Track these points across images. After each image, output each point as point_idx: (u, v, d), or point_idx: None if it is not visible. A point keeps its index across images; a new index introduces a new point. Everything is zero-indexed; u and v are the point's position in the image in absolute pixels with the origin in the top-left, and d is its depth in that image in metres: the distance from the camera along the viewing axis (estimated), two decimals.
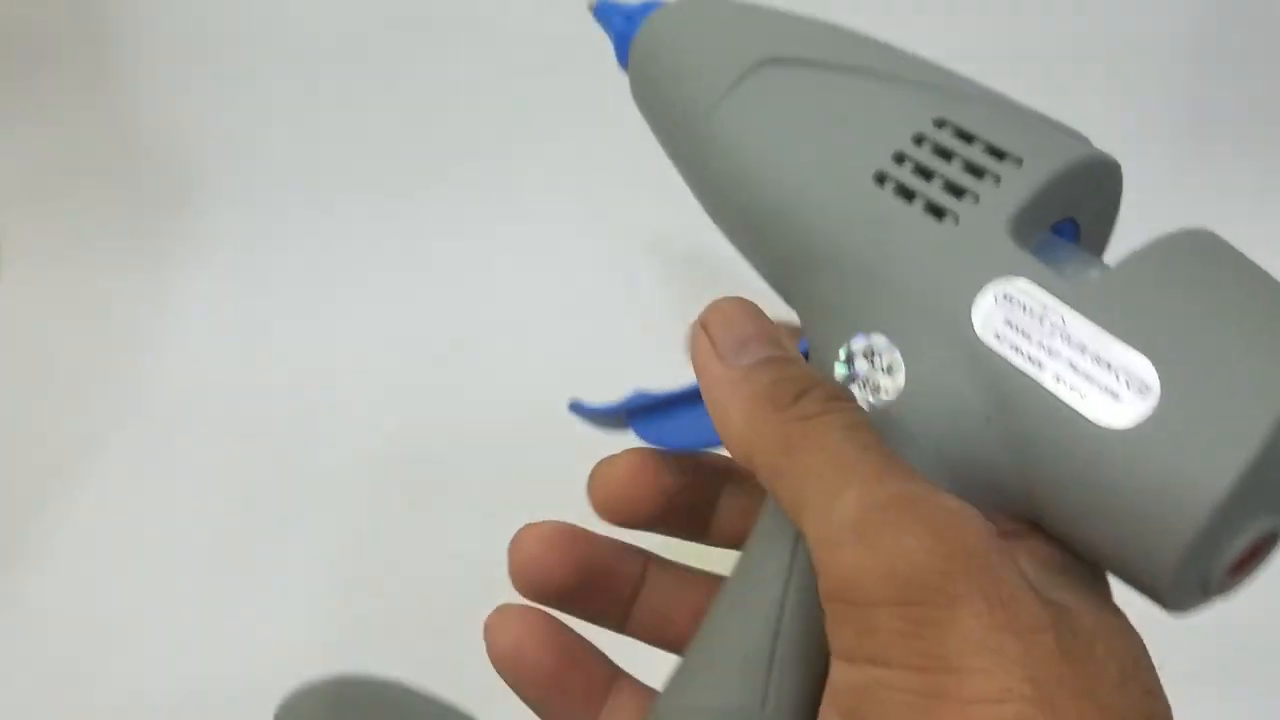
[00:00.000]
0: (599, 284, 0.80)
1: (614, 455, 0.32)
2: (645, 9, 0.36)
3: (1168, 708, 0.23)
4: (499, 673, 0.31)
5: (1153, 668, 0.23)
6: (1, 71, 0.82)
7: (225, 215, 0.83)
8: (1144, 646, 0.24)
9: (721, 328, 0.27)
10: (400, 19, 0.81)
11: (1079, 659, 0.21)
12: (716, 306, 0.27)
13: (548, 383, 0.77)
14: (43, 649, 0.61)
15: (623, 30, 0.36)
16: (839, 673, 0.22)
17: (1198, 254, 0.26)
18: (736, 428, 0.25)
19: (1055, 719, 0.20)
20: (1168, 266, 0.25)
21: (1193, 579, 0.23)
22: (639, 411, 0.32)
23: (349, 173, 0.84)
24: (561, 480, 0.68)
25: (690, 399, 0.31)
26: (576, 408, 0.33)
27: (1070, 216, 0.28)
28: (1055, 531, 0.25)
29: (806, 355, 0.29)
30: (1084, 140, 0.29)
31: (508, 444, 0.70)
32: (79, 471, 0.69)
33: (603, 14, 0.37)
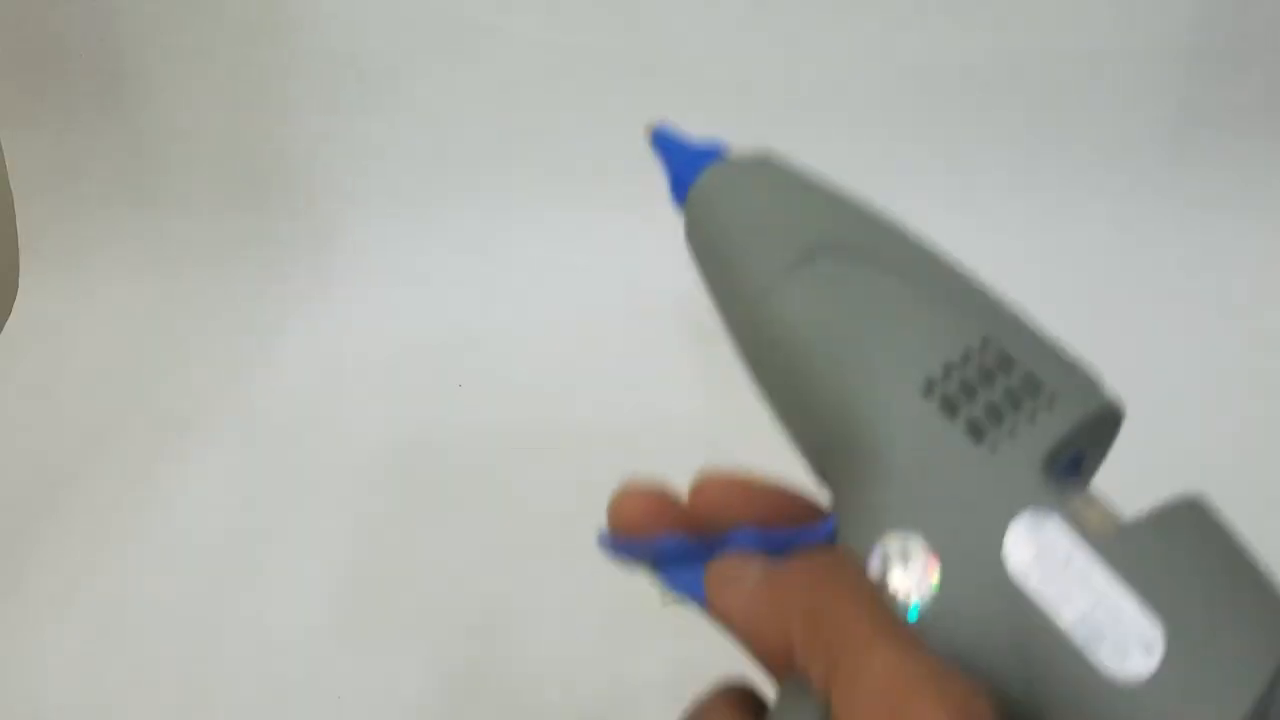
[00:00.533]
0: (607, 292, 0.81)
1: (630, 488, 0.32)
2: (707, 155, 0.36)
3: None
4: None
5: None
6: (19, 77, 0.82)
7: (238, 219, 0.84)
8: None
9: (731, 565, 0.29)
10: (411, 25, 0.81)
11: None
12: (715, 560, 0.29)
13: (555, 388, 0.77)
14: (43, 648, 0.61)
15: (681, 173, 0.36)
16: None
17: (1199, 525, 0.27)
18: (768, 618, 0.27)
19: None
20: (1176, 534, 0.27)
21: None
22: (665, 559, 0.32)
23: (361, 178, 0.84)
24: (561, 480, 0.68)
25: (714, 552, 0.31)
26: (603, 542, 0.33)
27: (1078, 449, 0.30)
28: None
29: (833, 534, 0.30)
30: (1098, 384, 0.30)
31: (513, 447, 0.71)
32: (93, 471, 0.70)
33: (662, 144, 0.37)
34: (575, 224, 0.83)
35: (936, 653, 0.25)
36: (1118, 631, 0.25)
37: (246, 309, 0.80)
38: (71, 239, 0.82)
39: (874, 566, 0.28)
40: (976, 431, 0.28)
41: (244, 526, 0.66)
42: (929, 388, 0.29)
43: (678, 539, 0.31)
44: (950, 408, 0.29)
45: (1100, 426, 0.30)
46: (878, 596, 0.26)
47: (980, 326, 0.30)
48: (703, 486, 0.32)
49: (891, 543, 0.28)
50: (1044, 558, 0.26)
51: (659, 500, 0.32)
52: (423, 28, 0.82)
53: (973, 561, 0.27)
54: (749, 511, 0.31)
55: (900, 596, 0.27)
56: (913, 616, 0.27)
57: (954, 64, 0.82)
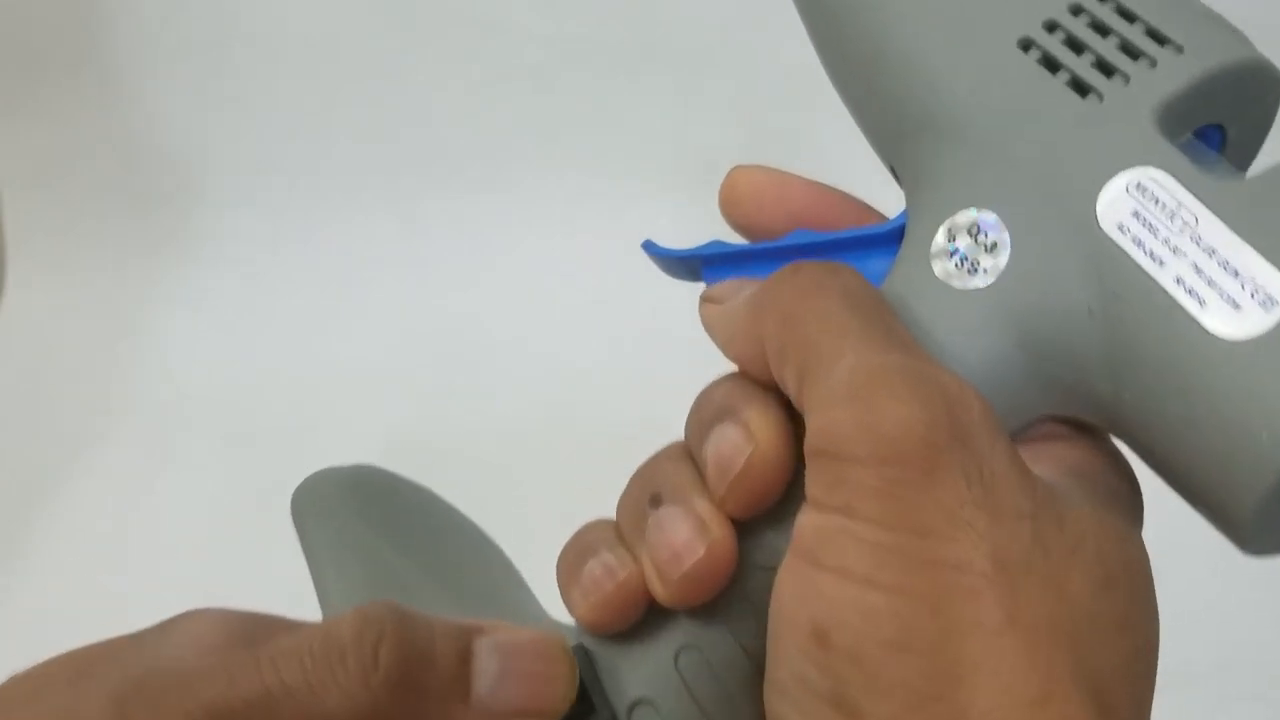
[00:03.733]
0: (605, 285, 0.80)
1: (748, 167, 0.30)
2: None
3: (1151, 629, 0.22)
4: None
5: (1151, 587, 0.23)
6: (5, 73, 0.81)
7: (228, 216, 0.83)
8: (1147, 567, 0.23)
9: (718, 288, 0.27)
10: (403, 20, 0.81)
11: (1055, 550, 0.21)
12: (715, 284, 0.28)
13: (552, 384, 0.77)
14: (40, 647, 0.60)
15: None
16: (805, 516, 0.22)
17: None
18: (744, 328, 0.25)
19: (1011, 598, 0.20)
20: None
21: (1278, 520, 0.22)
22: (714, 260, 0.29)
23: (352, 173, 0.84)
24: (563, 482, 0.68)
25: (766, 256, 0.29)
26: (649, 247, 0.30)
27: (1219, 124, 0.26)
28: (1131, 440, 0.24)
29: (904, 228, 0.27)
30: (1245, 41, 0.26)
31: (512, 446, 0.70)
32: (80, 469, 0.69)
33: None
34: (572, 219, 0.83)
35: (943, 347, 0.23)
36: (1231, 287, 0.22)
37: (237, 306, 0.80)
38: (58, 237, 0.82)
39: (937, 245, 0.25)
40: (1081, 88, 0.25)
41: (237, 526, 0.66)
42: (1026, 45, 0.26)
43: (721, 244, 0.29)
44: (1051, 64, 0.25)
45: (1246, 89, 0.26)
46: (869, 301, 0.24)
47: None
48: (734, 187, 0.30)
49: (960, 219, 0.25)
50: (1146, 212, 0.23)
51: (777, 178, 0.29)
52: (418, 24, 0.82)
53: (1057, 225, 0.24)
54: (783, 210, 0.29)
55: (967, 276, 0.24)
56: (980, 286, 0.24)
57: None
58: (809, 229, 0.28)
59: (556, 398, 0.73)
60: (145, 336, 0.78)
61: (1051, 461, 0.24)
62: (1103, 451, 0.25)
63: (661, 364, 0.78)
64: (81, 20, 0.81)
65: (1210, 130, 0.26)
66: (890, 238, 0.27)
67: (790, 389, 0.24)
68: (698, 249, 0.29)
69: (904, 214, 0.27)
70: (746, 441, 0.24)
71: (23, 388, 0.75)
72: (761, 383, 0.25)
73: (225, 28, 0.82)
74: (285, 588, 0.63)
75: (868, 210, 0.29)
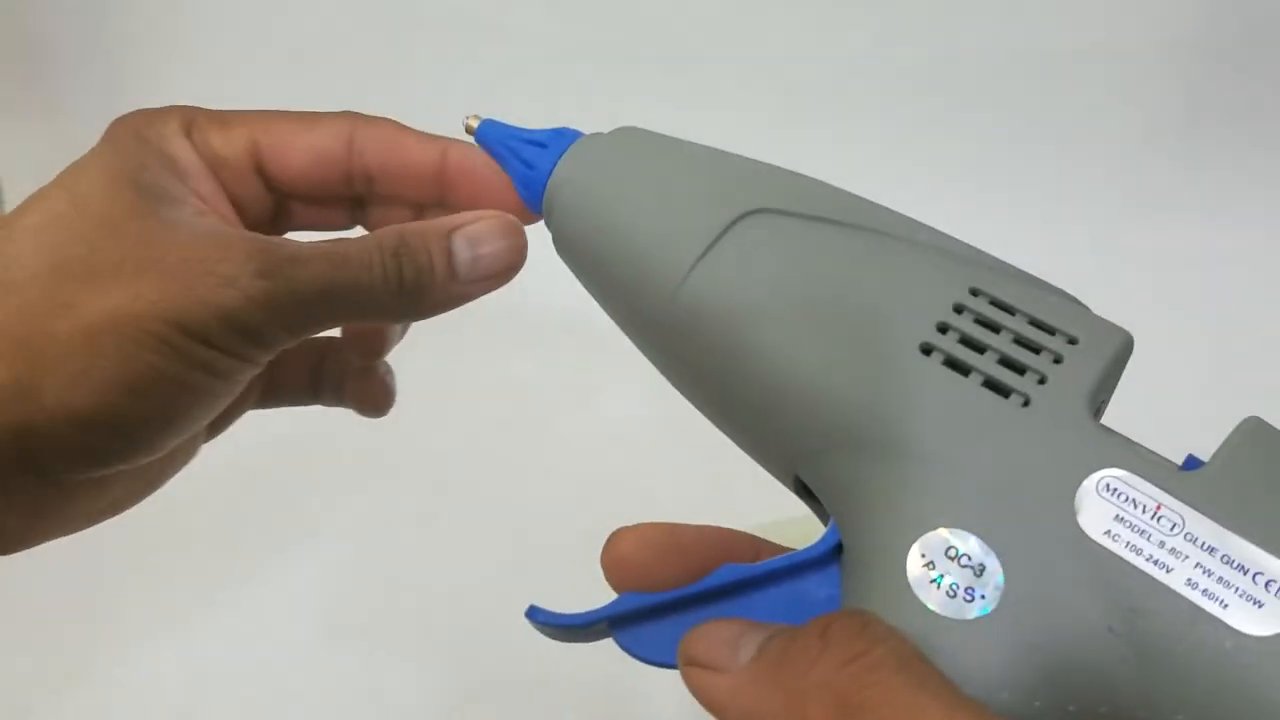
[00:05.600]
0: None
1: (626, 531, 0.28)
2: (558, 138, 0.30)
3: None
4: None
5: None
6: (10, 73, 0.82)
7: None
8: None
9: (703, 646, 0.24)
10: (403, 20, 0.81)
11: None
12: (688, 637, 0.24)
13: (551, 384, 0.77)
14: (41, 647, 0.61)
15: (528, 170, 0.30)
16: None
17: (1272, 446, 0.24)
18: (770, 709, 0.22)
19: None
20: (1257, 462, 0.23)
21: None
22: (625, 620, 0.26)
23: None
24: (561, 482, 0.68)
25: (693, 603, 0.26)
26: (534, 615, 0.26)
27: (1103, 399, 0.26)
28: None
29: (838, 547, 0.25)
30: (1109, 322, 0.26)
31: (508, 446, 0.70)
32: None
33: (490, 139, 0.30)
34: None
35: (1019, 677, 0.21)
36: (1244, 584, 0.21)
37: None
38: None
39: (914, 575, 0.23)
40: (997, 388, 0.24)
41: (237, 526, 0.66)
42: (927, 350, 0.25)
43: (635, 597, 0.26)
44: (959, 367, 0.25)
45: (1120, 364, 0.26)
46: (924, 666, 0.21)
47: (964, 276, 0.26)
48: (622, 552, 0.27)
49: (932, 542, 0.23)
50: (1128, 516, 0.22)
51: (666, 533, 0.27)
52: (417, 24, 0.82)
53: (1045, 541, 0.23)
54: (680, 561, 0.27)
55: (963, 607, 0.23)
56: (983, 613, 0.22)
57: (957, 60, 0.82)
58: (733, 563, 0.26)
59: (556, 396, 0.73)
60: None
61: None
62: None
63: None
64: (87, 20, 0.81)
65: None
66: (824, 559, 0.25)
67: None
68: (604, 610, 0.26)
69: (832, 530, 0.25)
70: None
71: None
72: None
73: (228, 26, 0.82)
74: (289, 584, 0.64)
75: (765, 543, 0.28)
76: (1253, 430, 0.24)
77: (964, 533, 0.23)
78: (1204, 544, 0.22)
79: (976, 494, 0.23)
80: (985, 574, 0.23)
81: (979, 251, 0.27)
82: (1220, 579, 0.22)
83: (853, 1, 0.81)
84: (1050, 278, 0.28)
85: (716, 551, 0.27)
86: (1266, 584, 0.21)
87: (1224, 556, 0.22)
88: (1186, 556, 0.22)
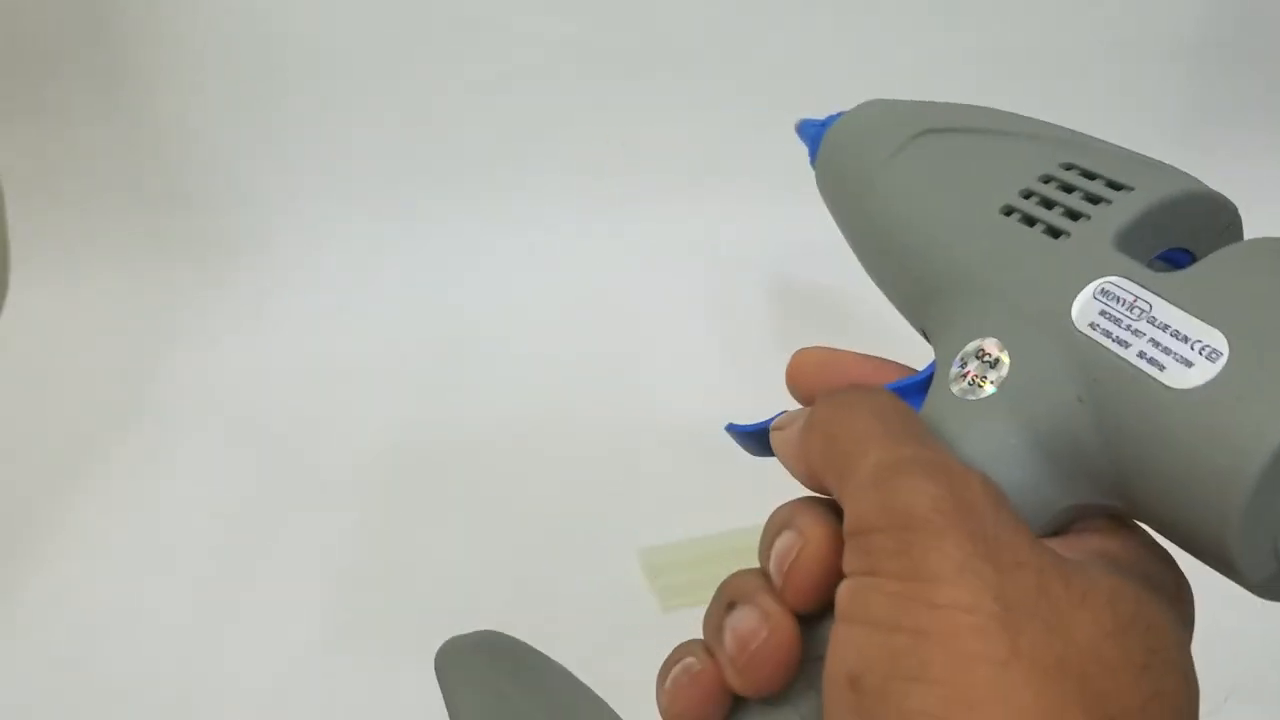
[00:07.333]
0: (606, 283, 0.80)
1: (808, 349, 0.35)
2: (833, 118, 0.41)
3: (1174, 679, 0.24)
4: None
5: (1177, 645, 0.25)
6: (12, 74, 0.82)
7: (231, 217, 0.83)
8: (1175, 629, 0.25)
9: (784, 419, 0.31)
10: (409, 24, 0.81)
11: (1060, 599, 0.24)
12: (779, 418, 0.32)
13: (552, 385, 0.77)
14: (45, 645, 0.61)
15: (815, 135, 0.41)
16: (841, 585, 0.26)
17: (1272, 255, 0.28)
18: (797, 446, 0.29)
19: (1015, 634, 0.23)
20: (1245, 263, 0.28)
21: (1263, 540, 0.25)
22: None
23: (359, 175, 0.84)
24: (561, 482, 0.68)
25: None
26: (733, 429, 0.34)
27: (1185, 248, 0.31)
28: (1143, 514, 0.27)
29: (932, 376, 0.31)
30: (1197, 181, 0.31)
31: (507, 446, 0.70)
32: (85, 470, 0.69)
33: (803, 130, 0.43)
34: (574, 222, 0.83)
35: (955, 440, 0.27)
36: (1183, 350, 0.26)
37: (241, 307, 0.80)
38: (64, 237, 0.82)
39: (953, 373, 0.30)
40: (1054, 232, 0.30)
41: (239, 526, 0.66)
42: (1008, 210, 0.31)
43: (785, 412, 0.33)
44: (1028, 221, 0.31)
45: (1200, 216, 0.31)
46: (890, 410, 0.28)
47: (1063, 155, 0.32)
48: (799, 365, 0.35)
49: (969, 347, 0.30)
50: (1111, 310, 0.27)
51: (831, 356, 0.34)
52: (418, 25, 0.82)
53: (1043, 334, 0.28)
54: (843, 379, 0.34)
55: (978, 388, 0.29)
56: (990, 394, 0.28)
57: (958, 59, 0.82)
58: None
59: (557, 397, 0.73)
60: (149, 336, 0.78)
61: (1082, 549, 0.27)
62: (1137, 542, 0.28)
63: (662, 363, 0.78)
64: (89, 21, 0.81)
65: (1178, 254, 0.31)
66: (924, 384, 0.31)
67: (834, 493, 0.28)
68: (766, 421, 0.33)
69: (933, 364, 0.32)
70: (798, 539, 0.28)
71: (28, 388, 0.75)
72: (818, 495, 0.29)
73: (232, 30, 0.82)
74: (289, 583, 0.64)
75: (909, 370, 0.34)
76: (1251, 242, 0.28)
77: (992, 338, 0.29)
78: (1160, 323, 0.26)
79: (1006, 307, 0.30)
80: (998, 365, 0.29)
81: (1103, 143, 0.33)
82: (1165, 348, 0.26)
83: (854, 1, 0.81)
84: None
85: (865, 374, 0.34)
86: (1201, 349, 0.25)
87: (1174, 331, 0.26)
88: (1144, 334, 0.26)
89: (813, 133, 0.42)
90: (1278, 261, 0.27)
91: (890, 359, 0.34)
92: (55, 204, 0.82)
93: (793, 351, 0.35)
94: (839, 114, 0.41)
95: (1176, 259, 0.31)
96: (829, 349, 0.35)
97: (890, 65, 0.82)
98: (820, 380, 0.34)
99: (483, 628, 0.35)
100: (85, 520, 0.67)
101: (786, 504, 0.30)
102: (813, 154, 0.41)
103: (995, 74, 0.82)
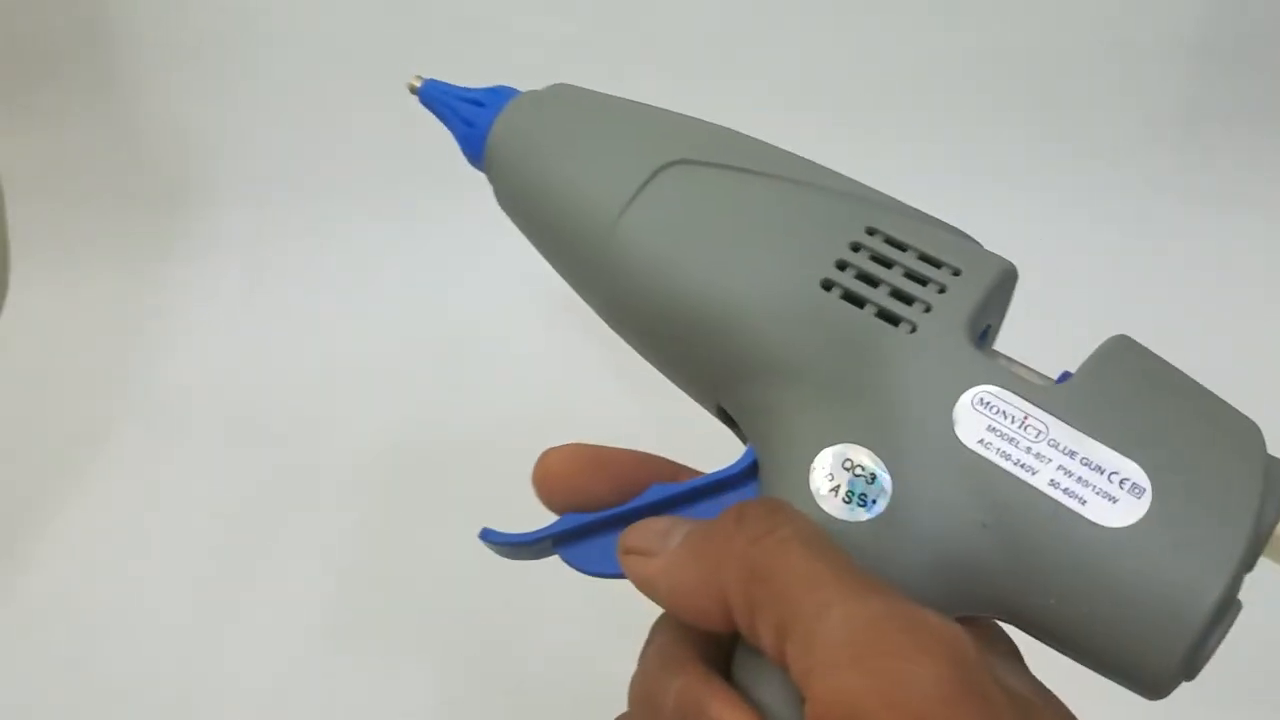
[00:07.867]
0: None
1: (558, 447, 0.30)
2: (495, 96, 0.32)
3: None
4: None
5: None
6: (9, 75, 0.82)
7: (230, 216, 0.83)
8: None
9: (639, 537, 0.27)
10: (403, 22, 0.81)
11: None
12: (626, 532, 0.27)
13: (552, 385, 0.77)
14: (44, 646, 0.61)
15: (468, 128, 0.32)
16: None
17: (1133, 360, 0.27)
18: (697, 584, 0.25)
19: None
20: (1123, 376, 0.26)
21: (1188, 665, 0.24)
22: (568, 537, 0.30)
23: (353, 174, 0.84)
24: None
25: (628, 519, 0.29)
26: (487, 535, 0.30)
27: (987, 323, 0.29)
28: (1036, 629, 0.26)
29: (755, 465, 0.28)
30: (998, 256, 0.29)
31: (507, 446, 0.70)
32: (85, 470, 0.69)
33: (433, 99, 0.33)
34: None
35: (902, 583, 0.24)
36: (1100, 481, 0.24)
37: (241, 307, 0.80)
38: (63, 236, 0.82)
39: (816, 485, 0.26)
40: (889, 318, 0.27)
41: (239, 526, 0.66)
42: (828, 285, 0.28)
43: (575, 516, 0.29)
44: (854, 300, 0.28)
45: (1002, 291, 0.29)
46: (826, 542, 0.24)
47: (861, 217, 0.29)
48: (551, 467, 0.30)
49: (830, 456, 0.26)
50: (999, 426, 0.25)
51: (591, 452, 0.30)
52: (417, 24, 0.82)
53: (927, 450, 0.26)
54: (607, 480, 0.29)
55: (857, 510, 0.26)
56: (874, 515, 0.26)
57: (960, 60, 0.82)
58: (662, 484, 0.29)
59: (557, 397, 0.73)
60: (148, 336, 0.78)
61: (989, 655, 0.25)
62: (980, 624, 0.27)
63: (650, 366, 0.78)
64: (86, 21, 0.81)
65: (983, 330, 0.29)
66: (743, 477, 0.28)
67: (766, 641, 0.24)
68: (549, 529, 0.29)
69: (749, 451, 0.28)
70: None
71: (28, 387, 0.75)
72: (701, 633, 0.26)
73: (227, 28, 0.82)
74: (289, 583, 0.64)
75: (683, 467, 0.30)
76: (1115, 346, 0.27)
77: (858, 446, 0.26)
78: (1065, 449, 0.25)
79: (868, 412, 0.26)
80: (877, 481, 0.26)
81: (879, 194, 0.30)
82: (1079, 479, 0.24)
83: (854, 1, 0.81)
84: (1051, 276, 0.29)
85: (638, 471, 0.30)
86: (1120, 482, 0.24)
87: (1083, 459, 0.25)
88: (1049, 460, 0.25)
89: (462, 121, 0.32)
90: (1155, 372, 0.26)
91: (656, 454, 0.30)
92: (55, 204, 0.82)
93: None
94: (497, 93, 0.32)
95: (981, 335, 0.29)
96: (586, 445, 0.30)
97: (890, 65, 0.82)
98: (584, 483, 0.29)
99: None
100: (85, 520, 0.67)
101: (665, 665, 0.26)
102: (470, 149, 0.32)
103: (995, 74, 0.82)
